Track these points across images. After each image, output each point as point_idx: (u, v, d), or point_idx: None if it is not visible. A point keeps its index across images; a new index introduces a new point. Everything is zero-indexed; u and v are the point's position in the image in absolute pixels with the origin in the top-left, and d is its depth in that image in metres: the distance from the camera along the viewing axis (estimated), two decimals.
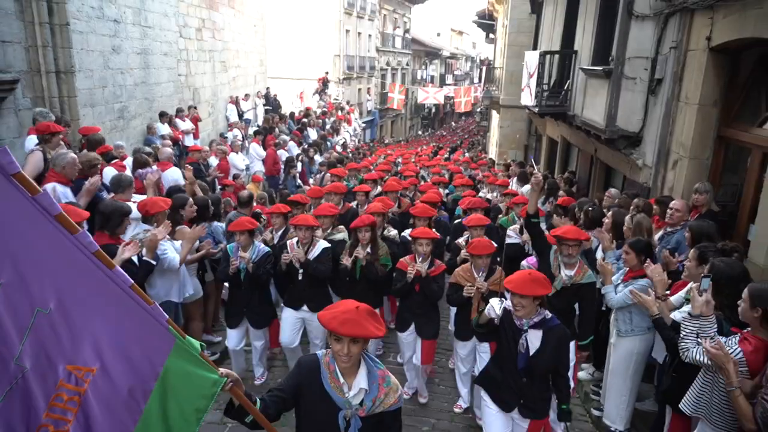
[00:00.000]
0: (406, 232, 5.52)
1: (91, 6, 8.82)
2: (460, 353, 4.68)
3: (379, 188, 7.41)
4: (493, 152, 21.48)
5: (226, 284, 5.32)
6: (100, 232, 3.72)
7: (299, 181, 12.13)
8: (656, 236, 4.98)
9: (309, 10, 26.30)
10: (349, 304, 2.33)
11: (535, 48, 13.36)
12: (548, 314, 3.15)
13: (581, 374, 5.26)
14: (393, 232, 5.64)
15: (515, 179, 10.56)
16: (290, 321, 4.88)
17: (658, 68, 6.52)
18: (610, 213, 5.10)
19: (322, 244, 4.77)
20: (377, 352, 5.87)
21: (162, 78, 12.13)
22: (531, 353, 3.13)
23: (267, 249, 4.82)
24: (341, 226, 5.61)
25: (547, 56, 9.96)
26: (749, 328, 2.71)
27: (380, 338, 2.52)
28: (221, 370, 2.08)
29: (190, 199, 4.84)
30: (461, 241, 5.36)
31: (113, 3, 9.63)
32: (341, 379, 2.36)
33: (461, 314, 4.51)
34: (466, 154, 20.39)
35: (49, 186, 4.54)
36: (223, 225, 5.57)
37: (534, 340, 3.13)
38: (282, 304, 5.09)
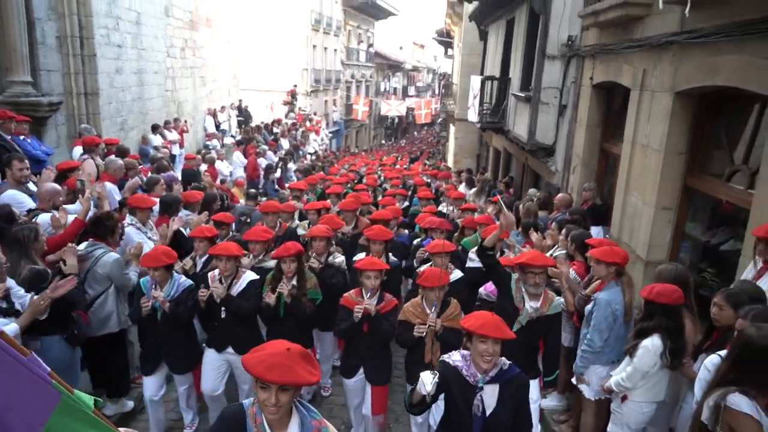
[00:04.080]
0: (359, 257, 4.94)
1: (101, 35, 10.31)
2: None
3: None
4: (450, 161, 23.56)
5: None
6: (162, 216, 5.35)
7: (277, 185, 13.79)
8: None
9: (278, 26, 27.90)
10: (278, 345, 2.02)
11: (482, 70, 15.44)
12: (505, 362, 2.72)
13: (545, 402, 4.81)
14: (339, 259, 4.98)
15: (463, 184, 12.53)
16: (213, 365, 4.28)
17: (564, 97, 8.56)
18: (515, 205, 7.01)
19: (248, 277, 4.22)
20: (324, 393, 5.34)
21: (153, 93, 13.60)
22: (488, 414, 2.67)
23: (188, 282, 4.20)
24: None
25: (488, 81, 12.00)
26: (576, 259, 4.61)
27: (314, 384, 2.21)
28: (122, 430, 1.79)
29: (218, 196, 6.39)
30: (423, 269, 4.63)
31: (117, 30, 11.12)
32: None
33: (413, 356, 3.98)
34: (427, 163, 22.36)
35: (103, 183, 6.07)
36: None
37: (489, 398, 2.68)
38: (204, 345, 4.48)
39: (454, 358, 2.78)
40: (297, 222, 6.35)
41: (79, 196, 4.78)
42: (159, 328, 4.09)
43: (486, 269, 4.06)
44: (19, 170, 5.15)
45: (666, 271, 3.60)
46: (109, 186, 6.23)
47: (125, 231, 4.67)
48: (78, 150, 7.26)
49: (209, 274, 4.25)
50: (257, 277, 4.32)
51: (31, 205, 4.91)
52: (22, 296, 3.50)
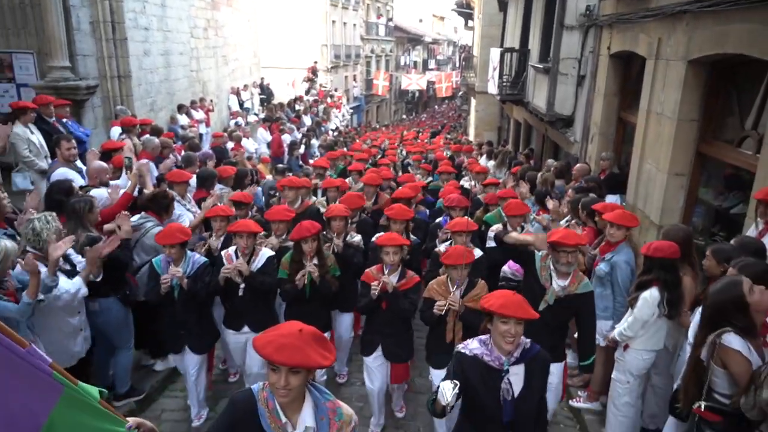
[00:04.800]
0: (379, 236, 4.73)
1: (129, 18, 10.66)
2: (436, 383, 3.76)
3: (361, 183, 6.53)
4: (471, 134, 23.58)
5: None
6: (200, 189, 5.74)
7: (301, 161, 14.14)
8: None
9: (297, 2, 27.96)
10: (291, 326, 1.97)
11: (502, 42, 15.41)
12: (527, 341, 2.63)
13: (583, 404, 4.62)
14: (356, 238, 4.89)
15: (484, 156, 12.69)
16: (235, 346, 4.40)
17: (582, 67, 8.63)
18: (527, 174, 7.21)
19: (266, 253, 4.23)
20: (340, 380, 5.21)
21: (179, 74, 13.99)
22: (516, 396, 2.56)
23: (203, 259, 4.25)
24: None
25: (507, 53, 12.05)
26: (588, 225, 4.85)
27: (326, 367, 2.17)
28: (130, 419, 1.79)
29: (249, 171, 6.77)
30: (442, 248, 4.74)
31: (144, 14, 11.46)
32: (283, 418, 2.00)
33: (434, 335, 3.89)
34: (448, 137, 22.42)
35: (144, 161, 6.46)
36: (260, 189, 7.50)
37: (516, 380, 2.58)
38: (223, 326, 4.48)
39: (472, 346, 2.66)
40: (316, 199, 6.33)
41: (127, 172, 5.18)
42: (176, 306, 4.08)
43: (509, 252, 3.99)
44: (66, 149, 5.58)
45: (671, 231, 3.84)
46: (146, 163, 6.65)
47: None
48: (116, 130, 7.68)
49: (223, 252, 4.25)
50: (274, 253, 4.30)
51: (81, 182, 5.34)
52: (80, 261, 3.93)
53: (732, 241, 3.49)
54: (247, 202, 5.32)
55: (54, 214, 3.81)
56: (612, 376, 3.92)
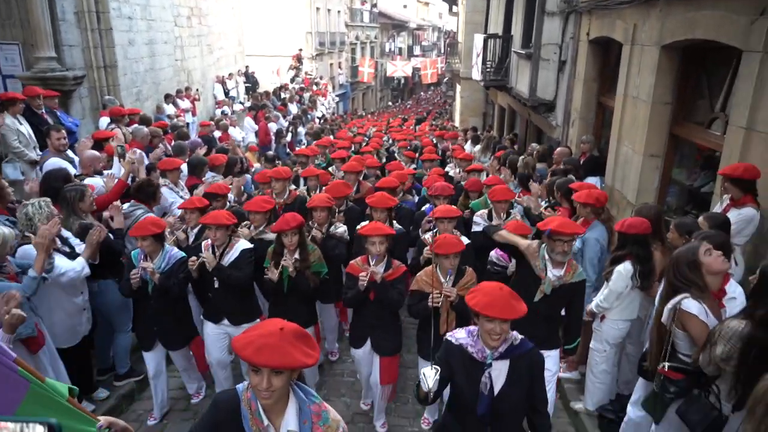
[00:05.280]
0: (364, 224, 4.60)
1: (113, 7, 10.61)
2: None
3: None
4: (457, 120, 23.75)
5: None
6: (191, 176, 5.87)
7: (288, 149, 14.24)
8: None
9: None
10: (271, 324, 1.88)
11: (486, 28, 15.55)
12: (517, 337, 2.58)
13: (563, 374, 4.73)
14: (340, 229, 4.83)
15: (469, 142, 12.88)
16: (213, 337, 4.24)
17: (563, 53, 8.83)
18: (509, 159, 7.42)
19: (241, 245, 4.11)
20: (332, 357, 5.33)
21: (164, 64, 13.94)
22: (495, 392, 2.53)
23: (180, 254, 4.10)
24: None
25: (490, 40, 12.20)
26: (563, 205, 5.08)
27: (310, 366, 1.99)
28: (101, 418, 1.75)
29: (239, 159, 6.89)
30: (427, 236, 4.70)
31: (127, 3, 11.41)
32: (265, 421, 1.92)
33: (425, 328, 3.75)
34: (434, 123, 22.56)
35: (136, 150, 6.55)
36: (249, 177, 7.63)
37: (498, 375, 2.54)
38: (201, 316, 4.45)
39: (459, 335, 2.65)
40: (296, 188, 6.18)
41: (120, 160, 5.29)
42: (150, 301, 3.97)
43: (504, 247, 3.89)
44: (57, 139, 5.67)
45: (643, 209, 4.08)
46: (139, 151, 6.75)
47: (161, 191, 5.18)
48: (105, 120, 7.74)
49: (203, 243, 4.15)
50: (250, 245, 4.19)
51: (73, 171, 5.44)
52: (78, 243, 4.08)
53: (700, 218, 3.73)
54: (223, 194, 5.16)
55: (48, 200, 3.95)
56: (590, 345, 4.16)
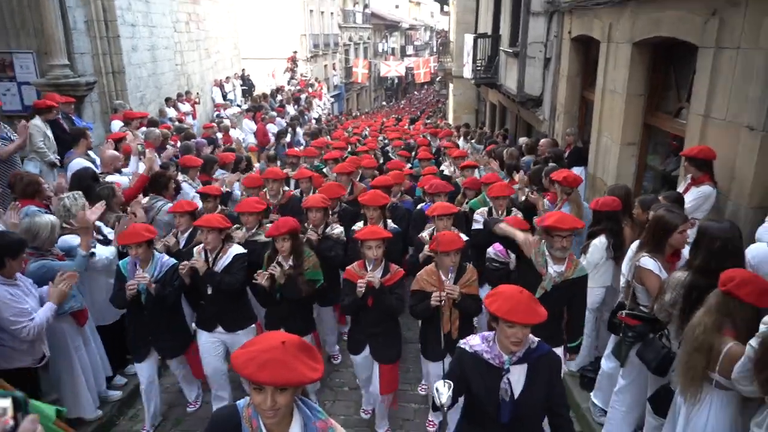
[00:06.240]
0: (358, 226, 4.72)
1: (118, 15, 11.06)
2: (433, 375, 3.79)
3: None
4: (450, 118, 24.27)
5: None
6: (203, 174, 6.34)
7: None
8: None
9: None
10: (272, 338, 1.78)
11: (476, 28, 16.06)
12: (534, 340, 2.53)
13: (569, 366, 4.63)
14: (337, 230, 4.73)
15: (461, 138, 13.38)
16: (207, 346, 4.12)
17: (548, 50, 9.34)
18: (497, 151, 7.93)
19: (234, 250, 4.01)
20: (334, 361, 5.31)
21: (165, 68, 14.39)
22: (516, 397, 2.49)
23: (172, 261, 4.02)
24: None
25: (480, 39, 12.72)
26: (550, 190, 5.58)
27: (316, 381, 1.99)
28: None
29: (244, 158, 7.36)
30: (425, 234, 4.67)
31: (130, 10, 11.86)
32: None
33: (429, 328, 3.75)
34: (427, 122, 23.05)
35: (149, 150, 7.01)
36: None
37: (517, 379, 2.50)
38: (194, 324, 4.33)
39: (473, 342, 2.58)
40: (288, 189, 6.09)
41: (141, 157, 5.77)
42: (144, 311, 3.86)
43: (503, 242, 3.88)
44: (89, 141, 6.17)
45: (615, 189, 4.58)
46: (153, 152, 7.22)
47: (181, 185, 5.66)
48: (116, 123, 8.20)
49: (195, 248, 4.05)
50: (244, 250, 4.07)
51: (95, 169, 5.91)
52: (110, 232, 4.57)
53: (660, 196, 4.24)
54: (215, 195, 5.10)
55: (81, 192, 4.45)
56: None
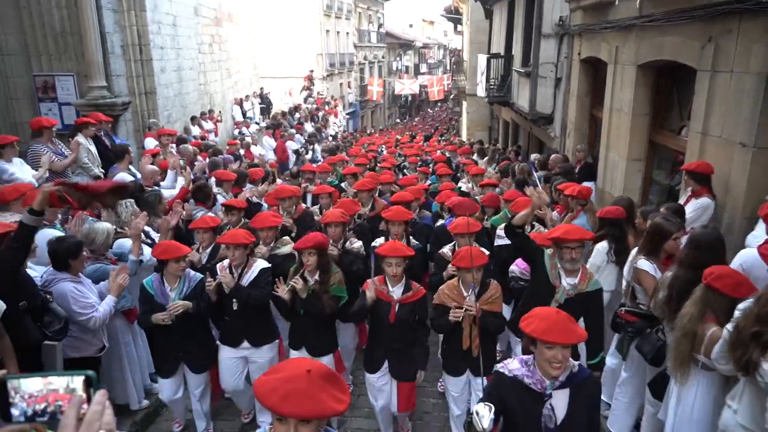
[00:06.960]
0: (378, 242, 4.72)
1: (150, 39, 11.72)
2: (452, 391, 3.87)
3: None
4: (464, 135, 24.73)
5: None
6: (233, 188, 6.79)
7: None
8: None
9: (292, 14, 29.13)
10: (297, 366, 1.71)
11: (489, 48, 16.56)
12: (575, 364, 2.49)
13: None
14: (357, 244, 4.73)
15: (475, 155, 13.79)
16: (228, 363, 4.13)
17: (558, 70, 9.75)
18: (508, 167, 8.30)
19: (259, 265, 4.03)
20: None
21: (190, 88, 15.04)
22: (558, 423, 2.42)
23: (199, 276, 4.04)
24: (286, 237, 4.83)
25: (493, 59, 13.18)
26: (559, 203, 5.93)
27: (341, 413, 1.80)
28: None
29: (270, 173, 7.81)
30: (447, 251, 4.63)
31: (159, 34, 12.51)
32: None
33: (450, 343, 3.75)
34: (441, 139, 23.48)
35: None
36: None
37: (560, 404, 2.43)
38: (218, 342, 4.29)
39: (512, 366, 2.49)
40: (306, 206, 6.30)
41: (182, 171, 6.26)
42: (173, 328, 3.82)
43: (517, 247, 3.89)
44: (130, 156, 6.69)
45: (619, 200, 4.93)
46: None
47: (216, 197, 6.12)
48: (150, 141, 8.73)
49: (218, 265, 4.06)
50: (269, 265, 4.11)
51: (140, 182, 6.40)
52: (156, 236, 5.01)
53: (662, 207, 4.58)
54: (239, 208, 5.11)
55: (132, 200, 4.94)
56: None
